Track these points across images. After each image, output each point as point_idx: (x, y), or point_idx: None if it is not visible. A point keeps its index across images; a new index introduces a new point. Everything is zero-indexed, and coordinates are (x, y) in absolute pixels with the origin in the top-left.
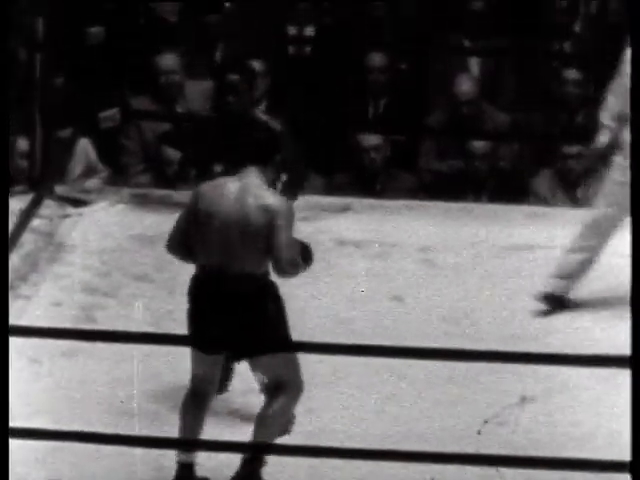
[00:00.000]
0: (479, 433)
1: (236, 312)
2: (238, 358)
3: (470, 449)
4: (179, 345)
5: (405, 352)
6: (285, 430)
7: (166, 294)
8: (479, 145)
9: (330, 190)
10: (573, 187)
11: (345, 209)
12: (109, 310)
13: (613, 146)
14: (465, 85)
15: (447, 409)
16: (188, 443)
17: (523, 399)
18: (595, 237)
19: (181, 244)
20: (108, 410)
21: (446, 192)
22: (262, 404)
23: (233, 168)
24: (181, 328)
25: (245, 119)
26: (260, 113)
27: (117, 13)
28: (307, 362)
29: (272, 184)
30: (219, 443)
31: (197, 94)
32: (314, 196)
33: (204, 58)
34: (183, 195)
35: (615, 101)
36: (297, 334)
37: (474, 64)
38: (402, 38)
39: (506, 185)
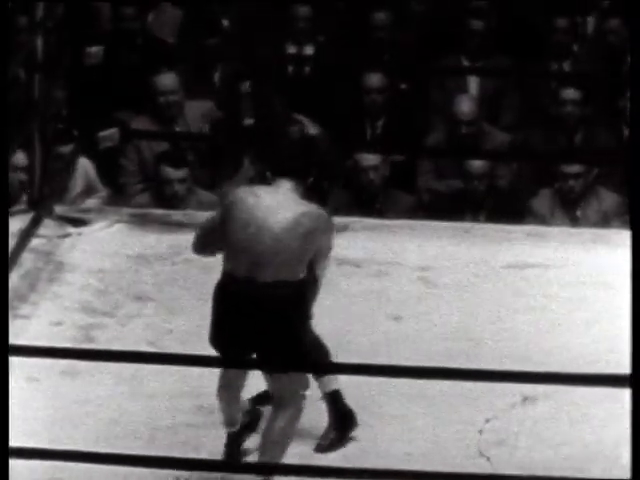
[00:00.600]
0: (480, 433)
1: (264, 319)
2: (259, 367)
3: (472, 448)
4: (182, 364)
5: (406, 371)
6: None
7: (166, 313)
8: (478, 165)
9: (329, 209)
10: (572, 206)
11: (344, 228)
12: (108, 330)
13: None
14: (465, 105)
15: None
16: (191, 463)
17: (525, 399)
18: None
19: (207, 246)
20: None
21: (445, 211)
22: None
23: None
24: (181, 347)
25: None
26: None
27: (116, 33)
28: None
29: (309, 192)
30: (224, 464)
31: (196, 114)
32: None
33: (203, 78)
34: (181, 215)
35: None
36: None
37: (473, 84)
38: (401, 58)
39: (505, 204)
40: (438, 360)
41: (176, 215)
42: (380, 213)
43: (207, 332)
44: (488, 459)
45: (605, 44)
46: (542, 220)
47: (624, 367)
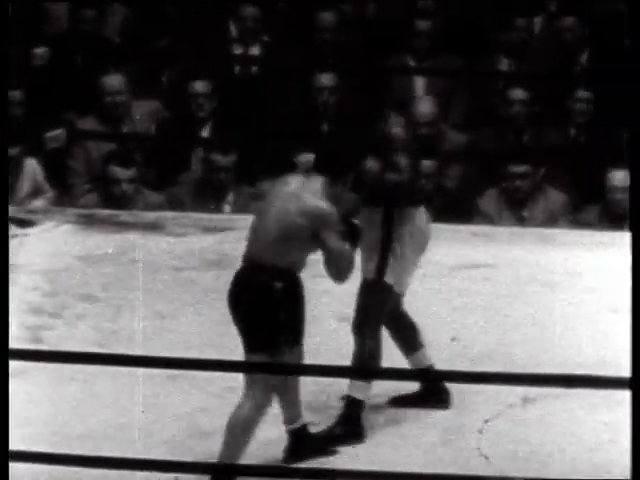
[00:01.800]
0: (481, 432)
1: (260, 303)
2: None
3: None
4: (174, 368)
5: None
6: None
7: (112, 314)
8: (425, 164)
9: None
10: (519, 206)
11: None
12: (55, 330)
13: None
14: (425, 106)
15: None
16: (191, 467)
17: (524, 400)
18: None
19: None
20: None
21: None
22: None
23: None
24: (127, 348)
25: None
26: None
27: (62, 34)
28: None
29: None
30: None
31: (143, 114)
32: None
33: (150, 78)
34: (128, 215)
35: None
36: (240, 355)
37: (420, 84)
38: (350, 58)
39: (452, 204)
40: (384, 361)
41: (123, 215)
42: None
43: (153, 332)
44: (487, 459)
45: (552, 44)
46: (489, 220)
47: (570, 367)
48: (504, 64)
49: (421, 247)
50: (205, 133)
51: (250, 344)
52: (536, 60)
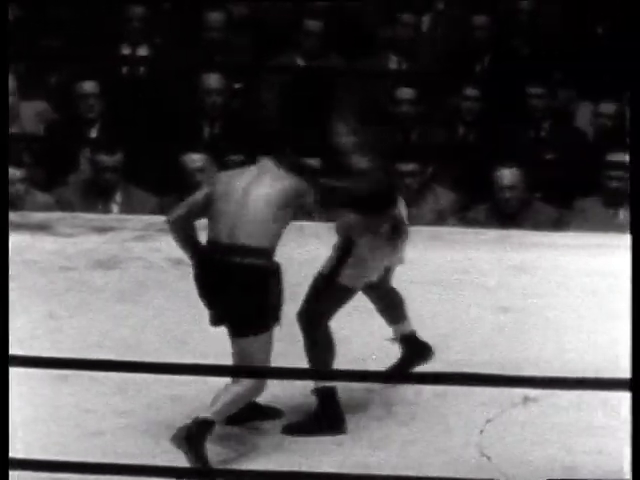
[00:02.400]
0: (482, 432)
1: (237, 285)
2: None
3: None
4: (183, 374)
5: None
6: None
7: None
8: (314, 163)
9: (164, 210)
10: (408, 204)
11: None
12: None
13: None
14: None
15: None
16: (197, 472)
17: (526, 399)
18: None
19: (186, 221)
20: None
21: None
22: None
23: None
24: (16, 350)
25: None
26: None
27: None
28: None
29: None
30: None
31: (31, 115)
32: (148, 215)
33: (38, 79)
34: (17, 216)
35: None
36: (134, 354)
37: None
38: (235, 58)
39: (340, 202)
40: (281, 362)
41: (11, 216)
42: None
43: (44, 332)
44: (489, 459)
45: (440, 43)
46: None
47: (458, 366)
48: (393, 62)
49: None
50: (94, 134)
51: (240, 327)
52: (425, 58)
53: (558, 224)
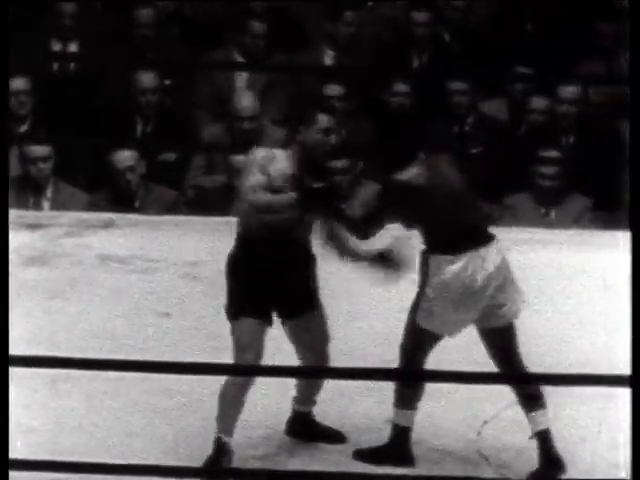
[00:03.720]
0: (479, 434)
1: (285, 273)
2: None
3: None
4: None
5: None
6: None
7: None
8: (243, 160)
9: (93, 206)
10: (338, 201)
11: (108, 225)
12: None
13: None
14: (246, 101)
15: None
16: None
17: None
18: None
19: None
20: None
21: (210, 207)
22: None
23: None
24: None
25: None
26: None
27: None
28: (77, 378)
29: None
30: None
31: None
32: (77, 212)
33: None
34: None
35: None
36: (63, 350)
37: (242, 79)
38: (168, 54)
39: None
40: (208, 357)
41: None
42: (141, 210)
43: None
44: (487, 460)
45: (370, 38)
46: None
47: (391, 360)
48: (330, 57)
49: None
50: (25, 130)
51: (297, 306)
52: (362, 54)
53: (488, 219)
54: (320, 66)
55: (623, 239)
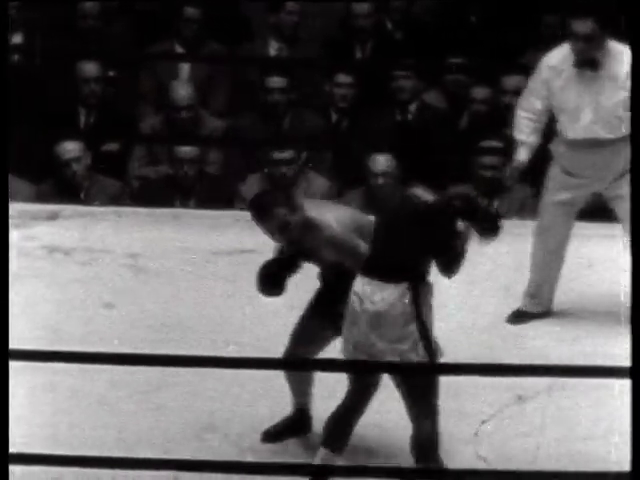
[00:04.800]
0: (476, 434)
1: None
2: None
3: (469, 451)
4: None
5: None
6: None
7: None
8: (187, 150)
9: (39, 197)
10: (283, 192)
11: (53, 216)
12: None
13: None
14: (182, 91)
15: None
16: (188, 465)
17: (519, 398)
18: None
19: None
20: None
21: (154, 198)
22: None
23: None
24: None
25: None
26: None
27: None
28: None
29: None
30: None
31: None
32: (22, 203)
33: None
34: None
35: (528, 115)
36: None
37: (185, 70)
38: (111, 46)
39: (214, 190)
40: (150, 348)
41: None
42: (86, 201)
43: None
44: (485, 461)
45: (312, 29)
46: None
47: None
48: (274, 48)
49: None
50: None
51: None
52: (305, 45)
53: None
54: (263, 57)
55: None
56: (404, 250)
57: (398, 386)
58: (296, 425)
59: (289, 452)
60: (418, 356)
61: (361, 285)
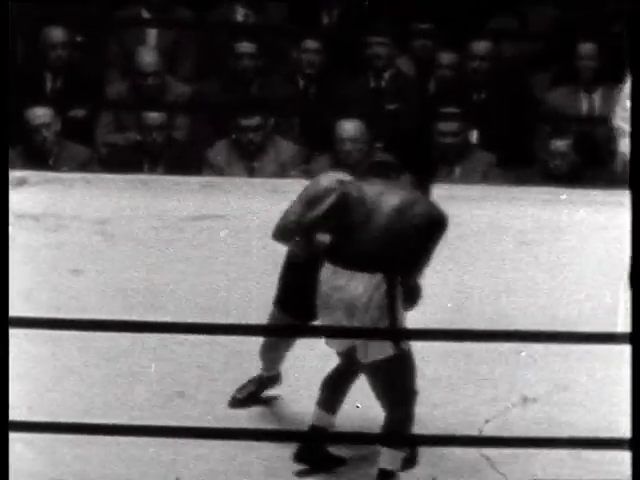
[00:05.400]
0: (481, 433)
1: None
2: None
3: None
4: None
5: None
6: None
7: None
8: (154, 116)
9: (9, 164)
10: (249, 157)
11: (21, 182)
12: None
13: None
14: (147, 57)
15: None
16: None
17: (524, 400)
18: None
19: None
20: None
21: (122, 164)
22: None
23: None
24: None
25: None
26: None
27: None
28: None
29: None
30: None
31: None
32: None
33: None
34: None
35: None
36: None
37: (152, 36)
38: (80, 12)
39: (182, 156)
40: (118, 314)
41: None
42: (55, 167)
43: None
44: (488, 459)
45: None
46: (219, 171)
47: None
48: (240, 14)
49: None
50: None
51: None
52: (270, 10)
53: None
54: (230, 23)
55: (535, 194)
56: (380, 240)
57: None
58: (262, 390)
59: (262, 418)
60: (386, 352)
61: (333, 273)
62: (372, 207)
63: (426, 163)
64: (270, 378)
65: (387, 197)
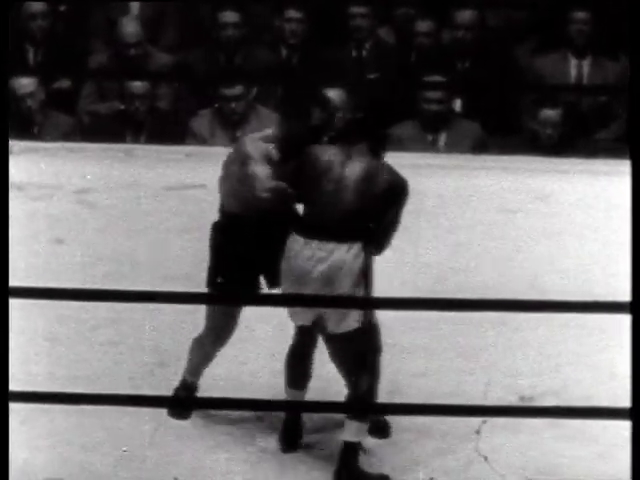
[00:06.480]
0: (478, 432)
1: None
2: None
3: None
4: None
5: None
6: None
7: None
8: (138, 86)
9: None
10: (232, 127)
11: None
12: None
13: None
14: (129, 27)
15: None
16: (180, 401)
17: (521, 399)
18: None
19: None
20: None
21: (105, 133)
22: None
23: None
24: None
25: None
26: None
27: None
28: None
29: None
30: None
31: None
32: None
33: None
34: None
35: None
36: None
37: (135, 6)
38: None
39: (165, 125)
40: (101, 283)
41: None
42: (39, 136)
43: None
44: (486, 459)
45: None
46: (202, 141)
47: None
48: None
49: None
50: None
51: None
52: None
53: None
54: None
55: (521, 163)
56: (351, 209)
57: (336, 355)
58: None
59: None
60: (357, 322)
61: (305, 245)
62: (340, 174)
63: (380, 131)
64: (193, 383)
65: (351, 164)
